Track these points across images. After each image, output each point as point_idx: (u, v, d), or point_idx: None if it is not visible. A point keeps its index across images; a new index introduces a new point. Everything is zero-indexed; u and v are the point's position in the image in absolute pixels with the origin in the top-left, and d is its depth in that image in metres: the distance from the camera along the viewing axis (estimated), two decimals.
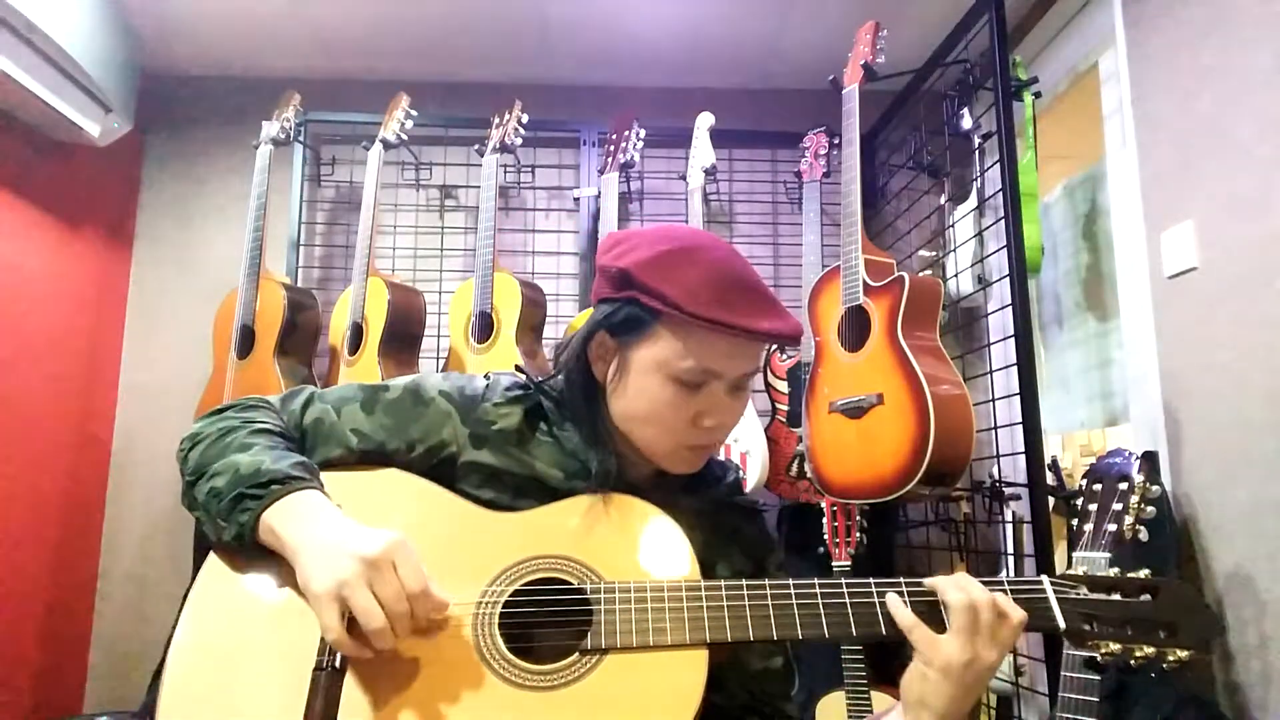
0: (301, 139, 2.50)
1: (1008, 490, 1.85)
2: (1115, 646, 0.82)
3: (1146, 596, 0.83)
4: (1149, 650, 0.81)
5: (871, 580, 0.85)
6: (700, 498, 1.02)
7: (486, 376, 1.03)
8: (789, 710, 1.02)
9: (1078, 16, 2.11)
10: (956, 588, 0.82)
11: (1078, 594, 0.85)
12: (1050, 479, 1.69)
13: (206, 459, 0.91)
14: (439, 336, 2.41)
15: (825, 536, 1.96)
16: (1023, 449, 1.67)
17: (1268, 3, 1.49)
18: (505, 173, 2.51)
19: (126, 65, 2.31)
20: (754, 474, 2.05)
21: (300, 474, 0.88)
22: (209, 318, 2.34)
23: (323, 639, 0.81)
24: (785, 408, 2.21)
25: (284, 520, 0.84)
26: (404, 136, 2.36)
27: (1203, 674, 1.55)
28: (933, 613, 0.83)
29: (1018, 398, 1.70)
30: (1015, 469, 1.92)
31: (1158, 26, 1.77)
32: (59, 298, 2.32)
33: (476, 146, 2.41)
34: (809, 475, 1.93)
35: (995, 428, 2.01)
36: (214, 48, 2.54)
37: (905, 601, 0.84)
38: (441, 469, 0.97)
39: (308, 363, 2.29)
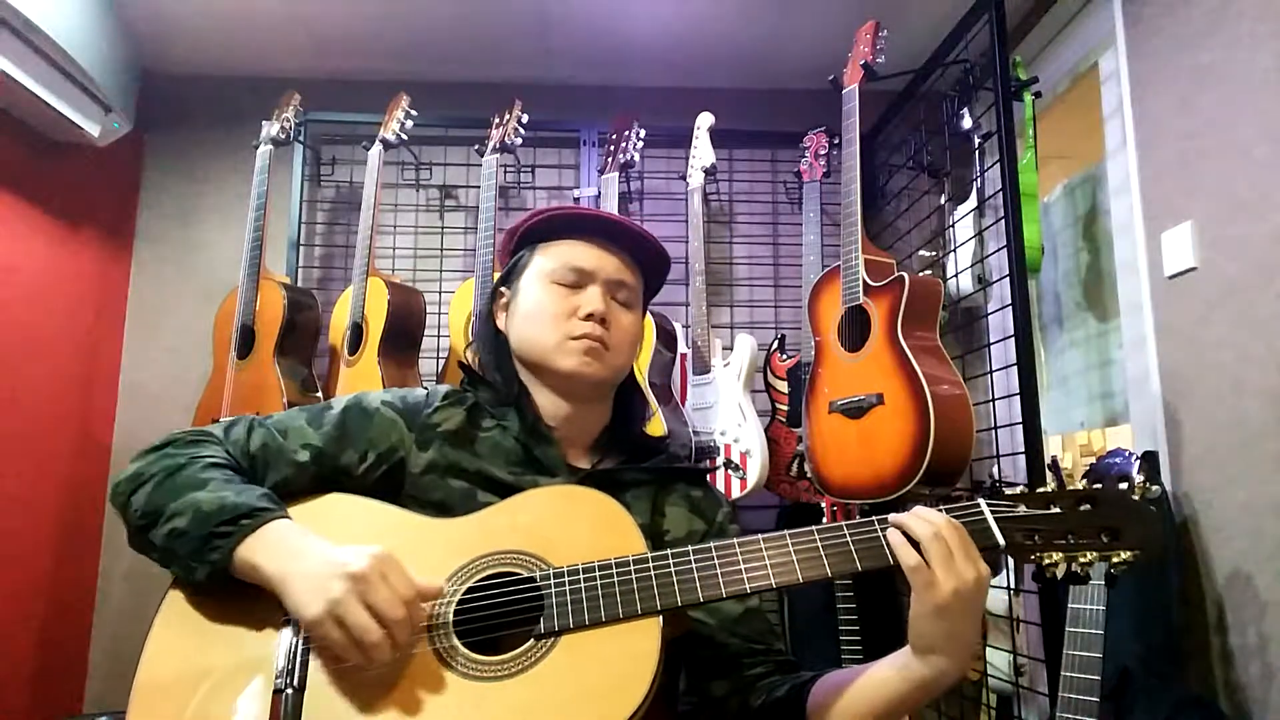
0: (301, 139, 2.50)
1: (1008, 490, 1.84)
2: (1058, 556, 0.83)
3: (1086, 506, 0.84)
4: (1093, 555, 0.82)
5: (814, 529, 0.87)
6: (643, 469, 1.07)
7: (425, 387, 1.09)
8: (779, 645, 1.04)
9: (1078, 16, 2.11)
10: (919, 519, 0.83)
11: (1016, 512, 0.85)
12: (1050, 479, 1.69)
13: (158, 501, 0.90)
14: (439, 336, 2.41)
15: None
16: (1023, 449, 1.67)
17: (1268, 3, 1.49)
18: (505, 173, 2.51)
19: (126, 65, 2.31)
20: (754, 474, 2.05)
21: (267, 504, 0.90)
22: (209, 318, 2.34)
23: (282, 661, 0.83)
24: (785, 408, 2.21)
25: (261, 553, 0.86)
26: (404, 136, 2.36)
27: (1203, 674, 1.55)
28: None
29: (1018, 398, 1.69)
30: (1015, 469, 1.92)
31: (1158, 26, 1.77)
32: (59, 298, 2.32)
33: (476, 146, 2.40)
34: (809, 475, 1.93)
35: (995, 428, 2.01)
36: (214, 48, 2.54)
37: (884, 540, 0.85)
38: (393, 476, 0.99)
39: (308, 363, 2.29)
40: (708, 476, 1.15)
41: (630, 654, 0.81)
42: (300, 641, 0.85)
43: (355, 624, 0.79)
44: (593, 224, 1.09)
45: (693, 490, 1.10)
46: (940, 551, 0.81)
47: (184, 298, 2.58)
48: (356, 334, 2.20)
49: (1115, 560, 0.81)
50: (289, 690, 0.81)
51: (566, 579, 0.86)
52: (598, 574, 0.86)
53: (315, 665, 0.84)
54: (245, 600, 0.87)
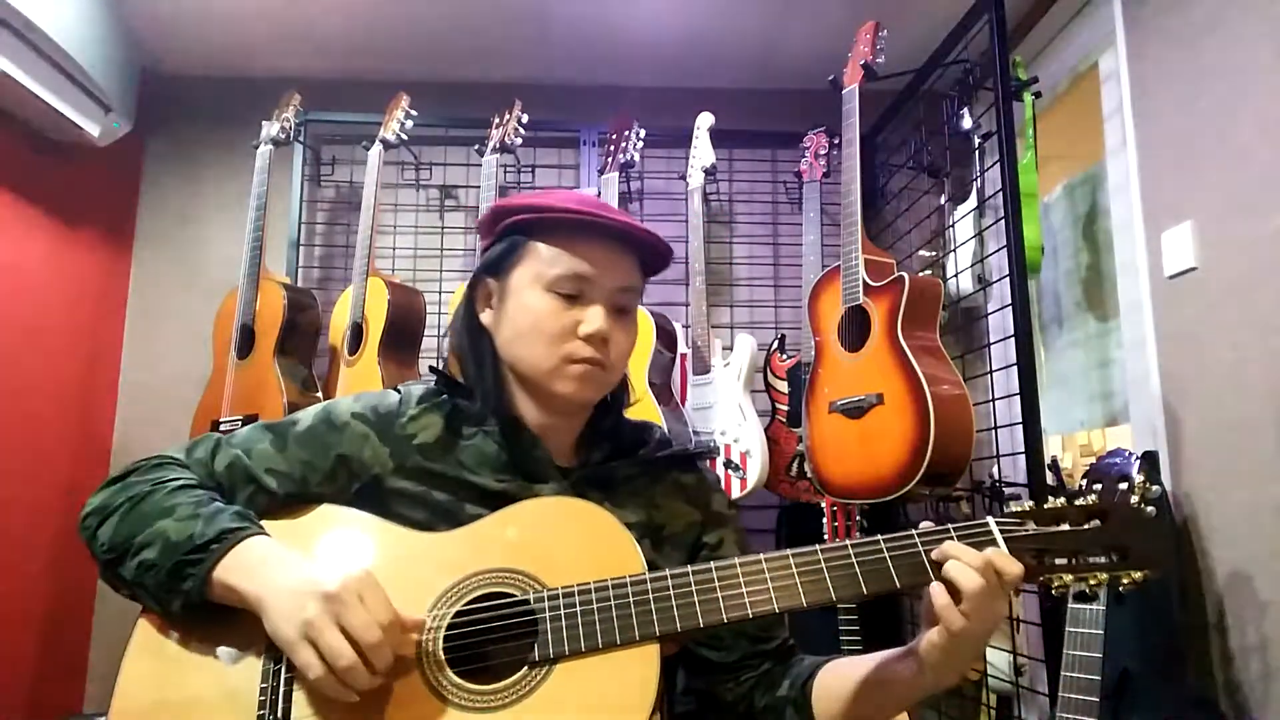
0: (301, 139, 2.50)
1: (1008, 490, 1.84)
2: (1068, 578, 0.82)
3: (1095, 522, 0.83)
4: (1102, 576, 0.81)
5: (817, 548, 0.85)
6: (632, 461, 1.03)
7: (398, 390, 1.02)
8: (782, 634, 1.02)
9: (1078, 16, 2.11)
10: (965, 569, 0.80)
11: (1025, 530, 0.84)
12: (1050, 479, 1.69)
13: (124, 533, 0.86)
14: (439, 336, 2.41)
15: (825, 536, 1.96)
16: (1023, 449, 1.67)
17: (1268, 3, 1.49)
18: (505, 173, 2.51)
19: (126, 65, 2.31)
20: (754, 474, 2.05)
21: (238, 524, 0.86)
22: (209, 318, 2.34)
23: (262, 691, 0.80)
24: (785, 408, 2.21)
25: (237, 574, 0.82)
26: (404, 136, 2.36)
27: (1203, 674, 1.56)
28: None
29: (1018, 398, 1.69)
30: (1015, 469, 1.92)
31: (1158, 26, 1.77)
32: (59, 298, 2.32)
33: (476, 146, 2.41)
34: (809, 475, 1.93)
35: (995, 428, 2.01)
36: (214, 48, 2.53)
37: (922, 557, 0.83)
38: (368, 493, 0.94)
39: (308, 363, 2.29)
40: (706, 461, 1.12)
41: (629, 681, 0.79)
42: (283, 670, 0.82)
43: (328, 646, 0.76)
44: (603, 229, 0.95)
45: (684, 476, 1.06)
46: (979, 603, 0.79)
47: (184, 298, 2.58)
48: (356, 334, 2.20)
49: (1125, 581, 0.81)
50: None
51: (561, 601, 0.83)
52: (594, 596, 0.83)
53: (299, 697, 0.81)
54: (221, 625, 0.84)
